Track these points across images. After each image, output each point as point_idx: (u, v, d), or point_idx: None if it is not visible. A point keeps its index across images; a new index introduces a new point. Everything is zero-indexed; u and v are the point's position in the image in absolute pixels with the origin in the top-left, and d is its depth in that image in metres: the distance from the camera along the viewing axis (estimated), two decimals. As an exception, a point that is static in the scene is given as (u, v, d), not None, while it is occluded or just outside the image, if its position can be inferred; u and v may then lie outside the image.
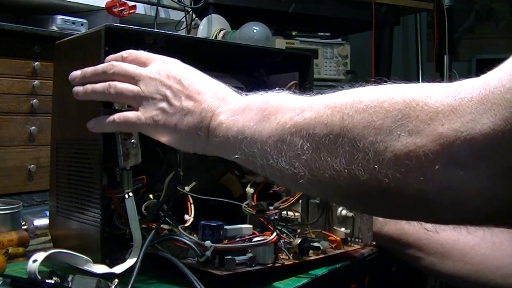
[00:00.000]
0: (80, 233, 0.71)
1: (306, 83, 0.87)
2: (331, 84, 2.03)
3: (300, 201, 0.77)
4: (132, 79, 0.66)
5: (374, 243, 0.84)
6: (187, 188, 0.75)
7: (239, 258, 0.65)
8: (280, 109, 0.56)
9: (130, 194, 0.68)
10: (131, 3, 1.54)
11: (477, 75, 0.46)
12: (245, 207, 0.72)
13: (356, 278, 1.32)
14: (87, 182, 0.70)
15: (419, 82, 0.50)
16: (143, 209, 0.71)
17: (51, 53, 0.82)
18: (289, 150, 0.53)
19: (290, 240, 0.73)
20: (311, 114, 0.52)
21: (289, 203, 0.73)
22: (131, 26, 0.73)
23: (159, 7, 1.68)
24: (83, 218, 0.70)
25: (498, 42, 2.95)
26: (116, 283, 0.61)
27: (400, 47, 2.91)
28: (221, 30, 1.82)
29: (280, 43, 2.00)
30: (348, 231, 0.80)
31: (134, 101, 0.66)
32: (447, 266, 0.84)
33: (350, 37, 2.59)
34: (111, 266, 0.66)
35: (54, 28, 1.40)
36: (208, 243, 0.65)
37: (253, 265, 0.66)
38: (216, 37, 1.79)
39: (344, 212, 0.81)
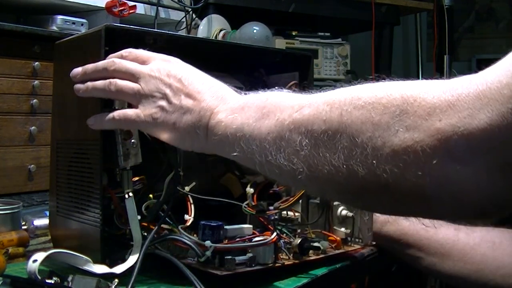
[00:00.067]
0: (80, 233, 0.71)
1: (305, 82, 0.87)
2: (331, 84, 2.02)
3: (300, 201, 0.77)
4: (133, 76, 0.66)
5: (374, 243, 0.84)
6: (187, 188, 0.75)
7: (239, 258, 0.65)
8: (279, 106, 0.57)
9: (130, 194, 0.68)
10: (131, 3, 1.54)
11: (476, 73, 0.46)
12: (245, 207, 0.72)
13: (356, 278, 1.32)
14: (87, 182, 0.70)
15: None
16: (143, 209, 0.71)
17: (51, 53, 0.82)
18: (288, 147, 0.53)
19: (290, 240, 0.73)
20: (309, 111, 0.53)
21: (289, 203, 0.73)
22: (131, 26, 0.73)
23: (159, 7, 1.68)
24: (83, 218, 0.70)
25: (498, 42, 2.95)
26: (116, 283, 0.61)
27: (400, 47, 2.90)
28: (221, 30, 1.82)
29: (280, 43, 2.00)
30: (348, 231, 0.80)
31: (134, 99, 0.66)
32: (447, 266, 0.84)
33: (350, 37, 2.59)
34: (111, 266, 0.66)
35: (54, 28, 1.39)
36: (208, 243, 0.65)
37: (253, 265, 0.66)
38: (216, 37, 1.79)
39: (344, 212, 0.81)
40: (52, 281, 0.60)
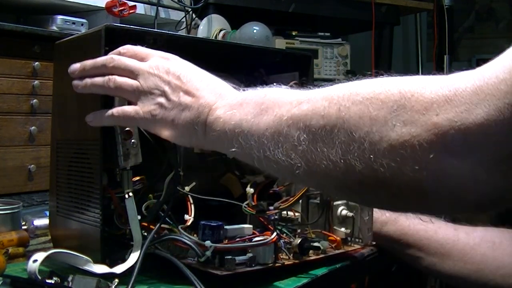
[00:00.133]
0: (80, 233, 0.71)
1: (304, 78, 0.87)
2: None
3: (300, 201, 0.77)
4: (132, 73, 0.66)
5: (374, 243, 0.84)
6: (187, 188, 0.75)
7: (239, 258, 0.65)
8: (277, 102, 0.57)
9: (130, 194, 0.68)
10: (131, 3, 1.54)
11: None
12: (245, 207, 0.72)
13: (356, 278, 1.32)
14: (87, 182, 0.70)
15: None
16: (143, 209, 0.71)
17: (51, 53, 0.82)
18: (286, 142, 0.54)
19: (290, 240, 0.73)
20: (308, 107, 0.53)
21: (289, 203, 0.73)
22: (131, 26, 0.73)
23: (159, 7, 1.68)
24: (83, 218, 0.70)
25: (498, 42, 2.94)
26: (116, 283, 0.61)
27: (400, 47, 2.90)
28: (221, 30, 1.82)
29: (280, 43, 2.00)
30: (348, 231, 0.80)
31: (133, 96, 0.66)
32: (447, 266, 0.84)
33: (350, 37, 2.59)
34: (111, 266, 0.66)
35: (54, 28, 1.39)
36: (208, 243, 0.65)
37: (253, 265, 0.66)
38: (216, 37, 1.79)
39: (344, 212, 0.81)
40: (52, 281, 0.60)
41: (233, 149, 0.59)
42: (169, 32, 0.92)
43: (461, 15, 2.95)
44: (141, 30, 0.73)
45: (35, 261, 0.61)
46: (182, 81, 0.64)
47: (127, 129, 0.69)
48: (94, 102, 0.69)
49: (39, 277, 0.60)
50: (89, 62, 0.69)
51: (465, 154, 0.44)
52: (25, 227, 0.83)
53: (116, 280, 0.61)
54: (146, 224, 0.70)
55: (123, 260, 0.66)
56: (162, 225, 0.70)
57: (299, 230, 0.79)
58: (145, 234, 0.69)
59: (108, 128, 0.68)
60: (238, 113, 0.59)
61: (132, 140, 0.69)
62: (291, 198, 0.74)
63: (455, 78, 0.46)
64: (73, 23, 1.42)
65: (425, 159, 0.45)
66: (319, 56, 2.12)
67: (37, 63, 1.26)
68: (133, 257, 0.66)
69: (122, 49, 0.69)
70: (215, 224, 0.67)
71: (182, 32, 1.74)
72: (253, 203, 0.73)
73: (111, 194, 0.69)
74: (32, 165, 1.24)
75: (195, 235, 0.69)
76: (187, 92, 0.64)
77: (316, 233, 0.79)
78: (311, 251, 0.74)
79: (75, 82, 0.69)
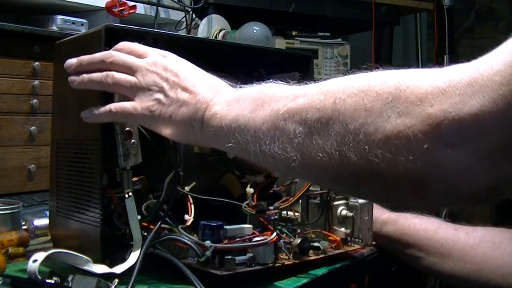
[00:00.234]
0: (80, 233, 0.71)
1: (304, 78, 0.87)
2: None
3: (300, 201, 0.77)
4: (130, 69, 0.66)
5: (374, 243, 0.84)
6: (187, 188, 0.75)
7: (239, 258, 0.65)
8: (273, 97, 0.57)
9: (130, 194, 0.68)
10: (131, 3, 1.54)
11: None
12: (245, 207, 0.72)
13: (356, 278, 1.32)
14: (87, 182, 0.70)
15: None
16: (143, 209, 0.71)
17: (51, 53, 0.82)
18: (282, 135, 0.54)
19: (290, 240, 0.73)
20: (304, 100, 0.54)
21: (289, 203, 0.73)
22: (131, 26, 0.73)
23: (159, 7, 1.68)
24: (83, 218, 0.70)
25: (498, 42, 2.94)
26: (116, 283, 0.61)
27: (400, 47, 2.90)
28: (221, 30, 1.81)
29: (280, 43, 1.99)
30: (348, 231, 0.80)
31: (131, 92, 0.66)
32: (447, 266, 0.84)
33: (350, 37, 2.58)
34: (111, 266, 0.66)
35: (54, 28, 1.39)
36: (208, 243, 0.65)
37: (253, 265, 0.66)
38: (216, 37, 1.79)
39: (344, 212, 0.81)
40: (52, 281, 0.60)
41: (230, 145, 0.60)
42: (169, 32, 0.92)
43: (461, 15, 2.94)
44: (141, 30, 0.73)
45: (35, 261, 0.61)
46: (179, 77, 0.65)
47: (127, 129, 0.69)
48: (94, 102, 0.68)
49: (39, 277, 0.60)
50: (86, 58, 0.69)
51: (459, 145, 0.44)
52: (25, 227, 0.83)
53: (116, 280, 0.61)
54: (146, 224, 0.70)
55: (123, 260, 0.66)
56: (162, 225, 0.70)
57: (299, 230, 0.79)
58: (145, 234, 0.69)
59: (108, 128, 0.68)
60: (235, 109, 0.60)
61: (132, 140, 0.69)
62: (291, 198, 0.74)
63: (450, 71, 0.47)
64: (73, 23, 1.42)
65: (420, 149, 0.45)
66: (319, 56, 2.12)
67: (37, 63, 1.25)
68: (133, 257, 0.66)
69: (119, 46, 0.69)
70: (215, 224, 0.67)
71: (182, 32, 1.74)
72: (253, 203, 0.73)
73: (111, 194, 0.69)
74: (32, 165, 1.24)
75: (195, 235, 0.69)
76: (184, 89, 0.64)
77: (316, 233, 0.79)
78: (311, 251, 0.74)
79: (71, 78, 0.69)
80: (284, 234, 0.75)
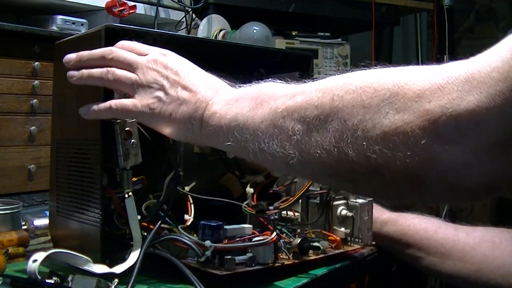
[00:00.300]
0: (80, 233, 0.71)
1: (303, 77, 0.87)
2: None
3: (300, 201, 0.77)
4: (130, 66, 0.66)
5: (374, 243, 0.84)
6: (187, 188, 0.75)
7: (239, 258, 0.65)
8: (272, 95, 0.58)
9: (130, 194, 0.68)
10: (131, 3, 1.53)
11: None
12: (245, 207, 0.72)
13: (356, 278, 1.32)
14: (87, 182, 0.70)
15: None
16: (143, 209, 0.71)
17: (51, 53, 0.82)
18: (281, 133, 0.54)
19: (290, 240, 0.73)
20: (302, 98, 0.54)
21: (289, 203, 0.73)
22: (131, 26, 0.73)
23: (159, 7, 1.68)
24: (83, 218, 0.70)
25: (498, 42, 2.94)
26: (116, 283, 0.61)
27: (400, 47, 2.90)
28: (221, 30, 1.81)
29: (280, 43, 1.99)
30: (348, 231, 0.80)
31: (131, 89, 0.66)
32: (447, 266, 0.85)
33: (350, 37, 2.58)
34: (111, 266, 0.66)
35: (54, 28, 1.39)
36: (208, 243, 0.65)
37: (253, 265, 0.66)
38: (216, 37, 1.79)
39: (344, 212, 0.81)
40: (52, 281, 0.61)
41: (229, 143, 0.60)
42: (169, 32, 0.92)
43: (461, 15, 2.94)
44: (141, 30, 0.73)
45: (35, 261, 0.61)
46: (180, 76, 0.65)
47: (127, 129, 0.69)
48: (95, 101, 0.68)
49: (39, 277, 0.60)
50: (85, 53, 0.68)
51: (457, 141, 0.44)
52: (25, 227, 0.83)
53: (116, 280, 0.61)
54: (146, 224, 0.70)
55: (123, 260, 0.66)
56: (162, 225, 0.70)
57: (299, 230, 0.79)
58: (145, 234, 0.69)
59: (108, 128, 0.68)
60: (234, 108, 0.60)
61: (132, 140, 0.69)
62: (291, 198, 0.74)
63: (448, 67, 0.47)
64: (73, 23, 1.42)
65: (417, 145, 0.45)
66: (319, 56, 2.12)
67: (37, 63, 1.25)
68: (133, 257, 0.66)
69: (119, 44, 0.69)
70: (215, 224, 0.67)
71: (182, 32, 1.74)
72: (253, 203, 0.73)
73: (111, 194, 0.69)
74: (32, 165, 1.24)
75: (195, 235, 0.69)
76: (185, 87, 0.64)
77: (316, 233, 0.79)
78: (311, 251, 0.74)
79: (71, 73, 0.69)
80: (284, 234, 0.75)
